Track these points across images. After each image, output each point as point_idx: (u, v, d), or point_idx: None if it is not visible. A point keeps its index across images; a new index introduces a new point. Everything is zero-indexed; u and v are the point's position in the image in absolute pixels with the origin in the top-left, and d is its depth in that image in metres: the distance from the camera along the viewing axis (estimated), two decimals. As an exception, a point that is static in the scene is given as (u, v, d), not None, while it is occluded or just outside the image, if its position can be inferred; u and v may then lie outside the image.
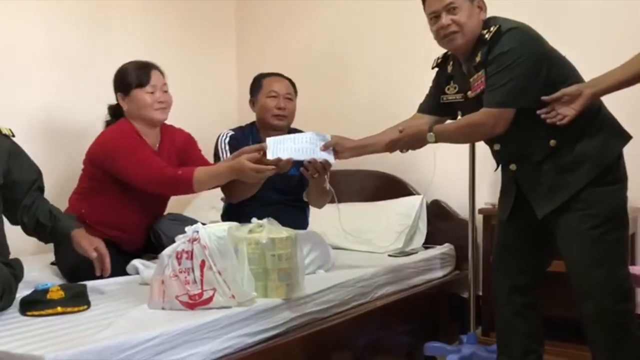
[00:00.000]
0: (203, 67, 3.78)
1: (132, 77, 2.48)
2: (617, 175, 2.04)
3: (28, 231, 2.18)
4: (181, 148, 2.61)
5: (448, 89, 2.22)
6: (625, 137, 2.07)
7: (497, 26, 2.02)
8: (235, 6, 3.99)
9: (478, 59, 2.05)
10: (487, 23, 2.08)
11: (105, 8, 3.25)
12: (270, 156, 2.23)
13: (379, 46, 3.50)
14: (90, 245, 2.08)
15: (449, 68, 2.23)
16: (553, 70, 2.01)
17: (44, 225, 2.13)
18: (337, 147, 2.30)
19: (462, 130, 2.12)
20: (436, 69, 2.30)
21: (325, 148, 2.29)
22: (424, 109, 2.33)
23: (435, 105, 2.28)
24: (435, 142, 2.13)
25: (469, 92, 2.12)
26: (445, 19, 2.07)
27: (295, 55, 3.71)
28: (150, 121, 2.50)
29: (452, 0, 2.06)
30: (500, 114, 2.00)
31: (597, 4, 2.92)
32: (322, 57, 3.67)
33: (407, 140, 2.18)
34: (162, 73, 2.55)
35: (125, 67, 2.53)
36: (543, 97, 1.96)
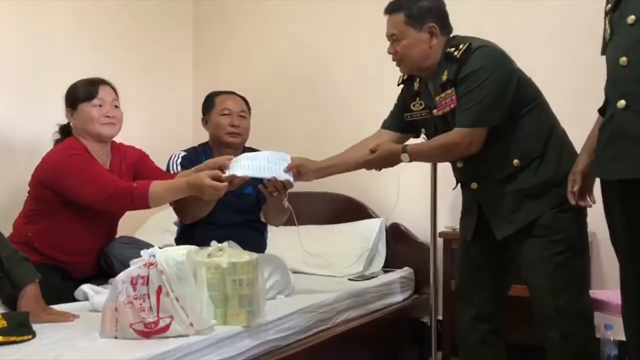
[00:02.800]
0: (158, 86, 3.68)
1: (80, 92, 2.42)
2: None
3: None
4: (133, 165, 2.53)
5: (414, 105, 2.20)
6: None
7: (467, 44, 2.02)
8: (192, 25, 3.92)
9: (444, 77, 2.05)
10: (453, 41, 2.08)
11: (55, 25, 3.14)
12: (226, 173, 2.19)
13: (340, 65, 3.48)
14: (45, 316, 1.96)
15: (416, 85, 2.21)
16: (520, 90, 2.03)
17: None
18: (301, 169, 2.26)
19: (437, 151, 2.11)
20: (401, 86, 2.29)
21: (288, 170, 2.24)
22: (388, 125, 2.31)
23: (400, 122, 2.27)
24: (410, 161, 2.11)
25: (435, 110, 2.11)
26: (390, 47, 2.13)
27: (253, 74, 3.66)
28: (97, 136, 2.41)
29: (393, 32, 2.10)
30: (473, 133, 2.00)
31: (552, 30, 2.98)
32: (280, 77, 3.63)
33: (381, 161, 2.16)
34: (113, 89, 2.48)
35: (75, 83, 2.47)
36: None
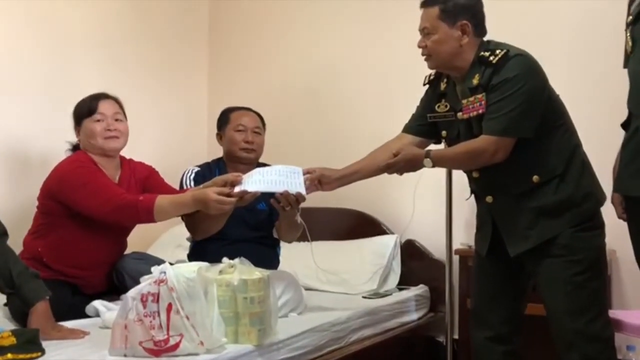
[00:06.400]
0: (173, 101, 3.70)
1: (83, 109, 2.44)
2: (597, 221, 2.02)
3: None
4: (143, 180, 2.53)
5: (438, 106, 2.15)
6: (603, 192, 2.05)
7: (505, 50, 1.97)
8: (207, 39, 3.94)
9: (476, 81, 2.00)
10: (488, 45, 2.03)
11: (71, 38, 3.16)
12: (237, 189, 2.17)
13: (352, 80, 3.46)
14: (55, 334, 1.96)
15: (442, 86, 2.16)
16: (550, 105, 1.99)
17: (1, 287, 2.02)
18: (323, 179, 2.23)
19: (461, 157, 2.05)
20: (427, 87, 2.23)
21: (311, 181, 2.22)
22: (409, 128, 2.26)
23: (422, 125, 2.22)
24: (432, 167, 2.07)
25: (459, 113, 2.06)
26: (420, 41, 2.08)
27: (267, 89, 3.66)
28: (100, 150, 2.42)
29: (425, 25, 2.06)
30: (501, 142, 1.95)
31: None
32: (294, 92, 3.63)
33: (403, 165, 2.09)
34: (117, 102, 2.49)
35: (80, 100, 2.49)
36: None
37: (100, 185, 2.28)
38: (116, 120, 2.44)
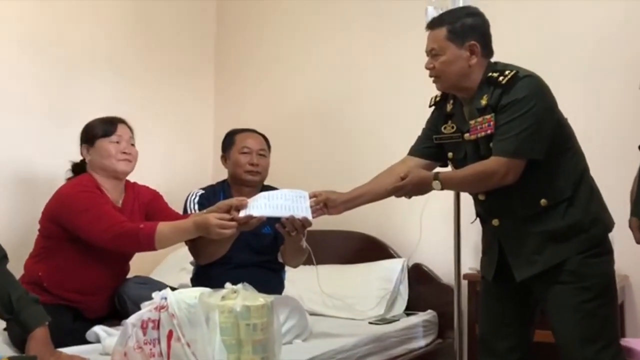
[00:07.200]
0: (179, 123, 3.69)
1: (98, 129, 2.44)
2: (605, 247, 1.99)
3: None
4: (147, 205, 2.51)
5: (445, 127, 2.12)
6: (611, 218, 2.03)
7: (515, 71, 1.95)
8: (214, 61, 3.94)
9: (484, 101, 1.97)
10: (495, 66, 2.01)
11: (75, 63, 3.16)
12: (242, 213, 2.14)
13: (361, 103, 3.45)
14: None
15: (448, 107, 2.13)
16: (558, 129, 1.96)
17: (0, 313, 1.99)
18: (329, 203, 2.20)
19: (471, 179, 2.01)
20: (432, 108, 2.21)
21: (316, 204, 2.19)
22: (416, 151, 2.23)
23: (428, 148, 2.19)
24: (441, 189, 2.03)
25: (466, 134, 2.03)
26: (428, 62, 2.06)
27: (274, 111, 3.65)
28: (113, 172, 2.41)
29: (433, 46, 2.04)
30: (512, 163, 1.92)
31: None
32: (301, 115, 3.61)
33: (411, 188, 2.06)
34: (129, 128, 2.50)
35: (92, 121, 2.48)
36: None
37: (102, 212, 2.26)
38: (131, 145, 2.45)
